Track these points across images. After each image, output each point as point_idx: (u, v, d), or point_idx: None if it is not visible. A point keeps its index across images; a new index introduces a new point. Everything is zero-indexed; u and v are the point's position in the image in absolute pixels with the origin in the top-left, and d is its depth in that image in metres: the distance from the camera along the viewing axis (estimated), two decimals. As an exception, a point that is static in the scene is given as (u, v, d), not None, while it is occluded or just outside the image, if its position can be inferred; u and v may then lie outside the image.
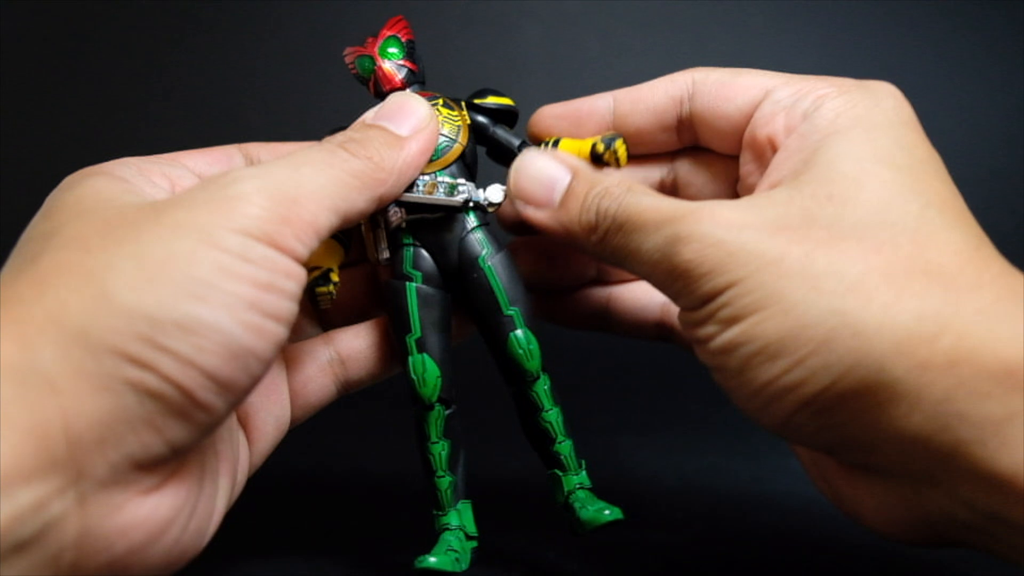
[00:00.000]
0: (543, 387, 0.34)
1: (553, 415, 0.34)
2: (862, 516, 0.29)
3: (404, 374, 0.34)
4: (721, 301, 0.27)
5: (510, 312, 0.33)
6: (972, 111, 0.79)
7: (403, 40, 0.35)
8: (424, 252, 0.34)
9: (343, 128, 0.32)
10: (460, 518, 0.34)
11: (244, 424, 0.32)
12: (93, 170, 0.29)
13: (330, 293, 0.31)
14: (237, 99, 0.81)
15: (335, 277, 0.31)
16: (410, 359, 0.33)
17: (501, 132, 0.35)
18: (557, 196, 0.31)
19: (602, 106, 0.35)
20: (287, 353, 0.34)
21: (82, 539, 0.23)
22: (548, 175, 0.32)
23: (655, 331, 0.37)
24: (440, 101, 0.34)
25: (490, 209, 0.34)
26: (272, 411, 0.33)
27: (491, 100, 0.35)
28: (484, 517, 0.34)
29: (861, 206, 0.27)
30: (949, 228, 0.26)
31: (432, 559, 0.32)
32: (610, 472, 0.36)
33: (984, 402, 0.23)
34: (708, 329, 0.27)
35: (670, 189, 0.36)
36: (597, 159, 0.33)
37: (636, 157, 0.35)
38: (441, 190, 0.33)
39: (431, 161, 0.33)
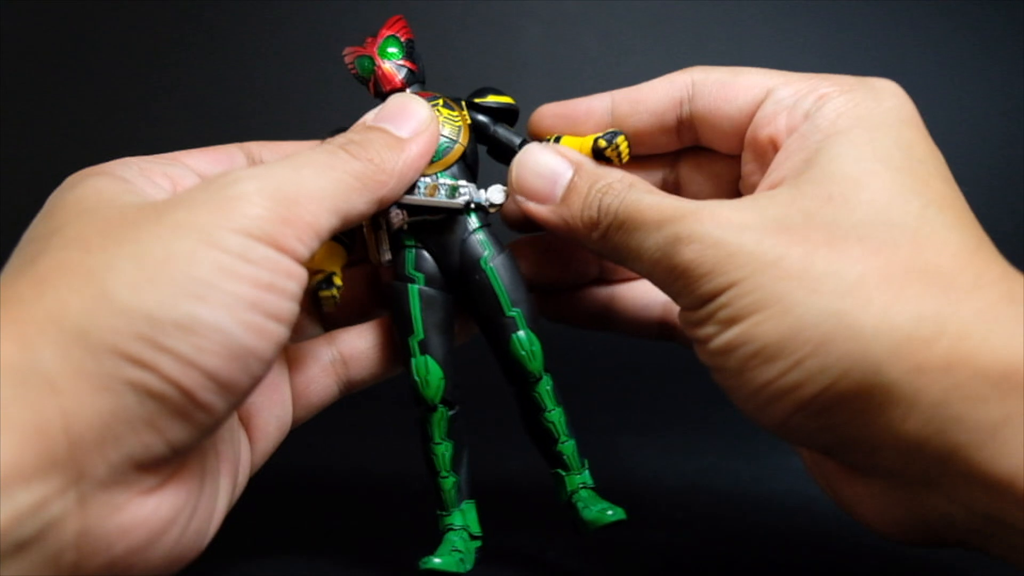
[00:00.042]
0: (545, 388, 0.34)
1: (556, 415, 0.34)
2: (862, 516, 0.29)
3: (407, 376, 0.34)
4: (720, 302, 0.27)
5: (512, 313, 0.33)
6: (972, 111, 0.79)
7: (402, 40, 0.35)
8: (426, 254, 0.34)
9: (344, 129, 0.32)
10: (464, 518, 0.34)
11: (246, 424, 0.32)
12: (94, 170, 0.29)
13: (334, 297, 0.31)
14: (237, 99, 0.81)
15: (338, 281, 0.31)
16: (413, 361, 0.33)
17: (502, 131, 0.35)
18: (559, 191, 0.31)
19: (600, 107, 0.35)
20: (289, 353, 0.34)
21: (82, 539, 0.23)
22: (550, 169, 0.32)
23: (657, 330, 0.37)
24: (440, 101, 0.34)
25: (492, 210, 0.34)
26: (274, 411, 0.33)
27: (491, 99, 0.35)
28: (488, 517, 0.35)
29: (861, 207, 0.27)
30: (949, 228, 0.26)
31: (436, 560, 0.32)
32: (610, 472, 0.36)
33: (980, 406, 0.23)
34: (707, 329, 0.27)
35: (672, 188, 0.36)
36: (599, 154, 0.33)
37: (637, 157, 0.35)
38: (442, 192, 0.33)
39: (432, 162, 0.33)
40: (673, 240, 0.28)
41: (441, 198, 0.33)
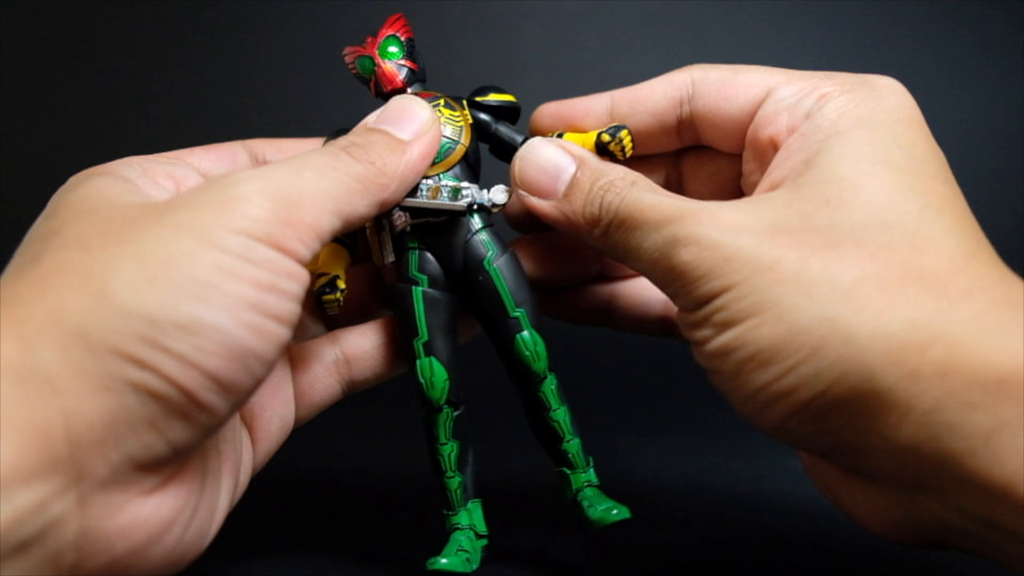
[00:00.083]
0: (550, 387, 0.34)
1: (561, 414, 0.34)
2: (859, 518, 0.28)
3: (412, 377, 0.34)
4: (716, 305, 0.27)
5: (516, 313, 0.33)
6: (972, 111, 0.79)
7: (402, 39, 0.35)
8: (429, 255, 0.34)
9: (345, 130, 0.32)
10: (470, 517, 0.34)
11: (249, 424, 0.32)
12: (97, 170, 0.29)
13: (337, 300, 0.31)
14: (237, 99, 0.81)
15: (342, 284, 0.31)
16: (418, 363, 0.33)
17: (504, 129, 0.35)
18: (561, 186, 0.31)
19: (599, 107, 0.35)
20: (293, 353, 0.34)
21: (83, 540, 0.23)
22: (553, 164, 0.32)
23: (659, 327, 0.37)
24: (441, 101, 0.34)
25: (494, 210, 0.34)
26: (277, 411, 0.33)
27: (492, 97, 0.35)
28: (494, 516, 0.35)
29: (859, 209, 0.26)
30: (947, 231, 0.26)
31: (443, 560, 0.32)
32: (611, 472, 0.36)
33: (973, 412, 0.23)
34: (704, 332, 0.27)
35: (675, 187, 0.36)
36: (603, 149, 0.33)
37: (638, 157, 0.35)
38: (445, 194, 0.33)
39: (434, 163, 0.33)
40: (672, 241, 0.28)
41: (444, 200, 0.32)
